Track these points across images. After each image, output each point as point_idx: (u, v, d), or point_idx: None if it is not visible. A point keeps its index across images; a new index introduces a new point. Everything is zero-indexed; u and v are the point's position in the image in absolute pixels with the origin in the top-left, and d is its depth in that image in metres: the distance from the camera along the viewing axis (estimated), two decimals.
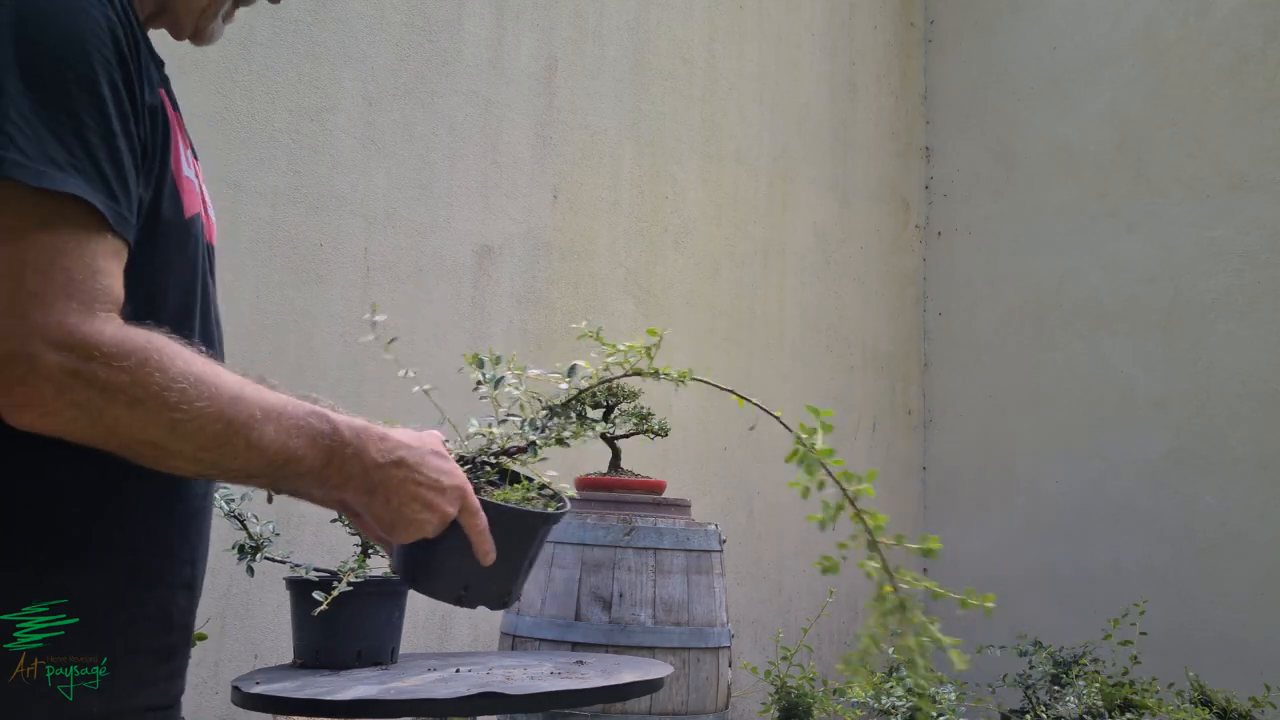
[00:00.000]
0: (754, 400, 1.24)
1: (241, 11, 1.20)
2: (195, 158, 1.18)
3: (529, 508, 1.22)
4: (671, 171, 4.27)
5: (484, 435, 1.29)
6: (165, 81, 1.07)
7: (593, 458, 3.14)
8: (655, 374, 1.39)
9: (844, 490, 1.15)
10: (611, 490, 2.72)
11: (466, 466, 1.24)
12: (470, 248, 3.58)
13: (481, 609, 1.20)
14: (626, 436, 2.70)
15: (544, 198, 3.81)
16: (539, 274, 3.78)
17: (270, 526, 1.94)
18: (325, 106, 3.28)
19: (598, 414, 2.71)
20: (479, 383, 1.34)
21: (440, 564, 1.16)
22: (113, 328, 0.85)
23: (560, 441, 1.36)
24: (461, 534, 1.11)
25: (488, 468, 1.28)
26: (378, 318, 1.27)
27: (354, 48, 3.36)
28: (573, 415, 1.36)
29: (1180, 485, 4.36)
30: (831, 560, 1.24)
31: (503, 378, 1.35)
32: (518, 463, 1.31)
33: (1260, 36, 4.37)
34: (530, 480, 1.25)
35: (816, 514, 1.29)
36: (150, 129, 0.97)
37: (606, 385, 2.70)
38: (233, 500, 1.87)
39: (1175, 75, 4.58)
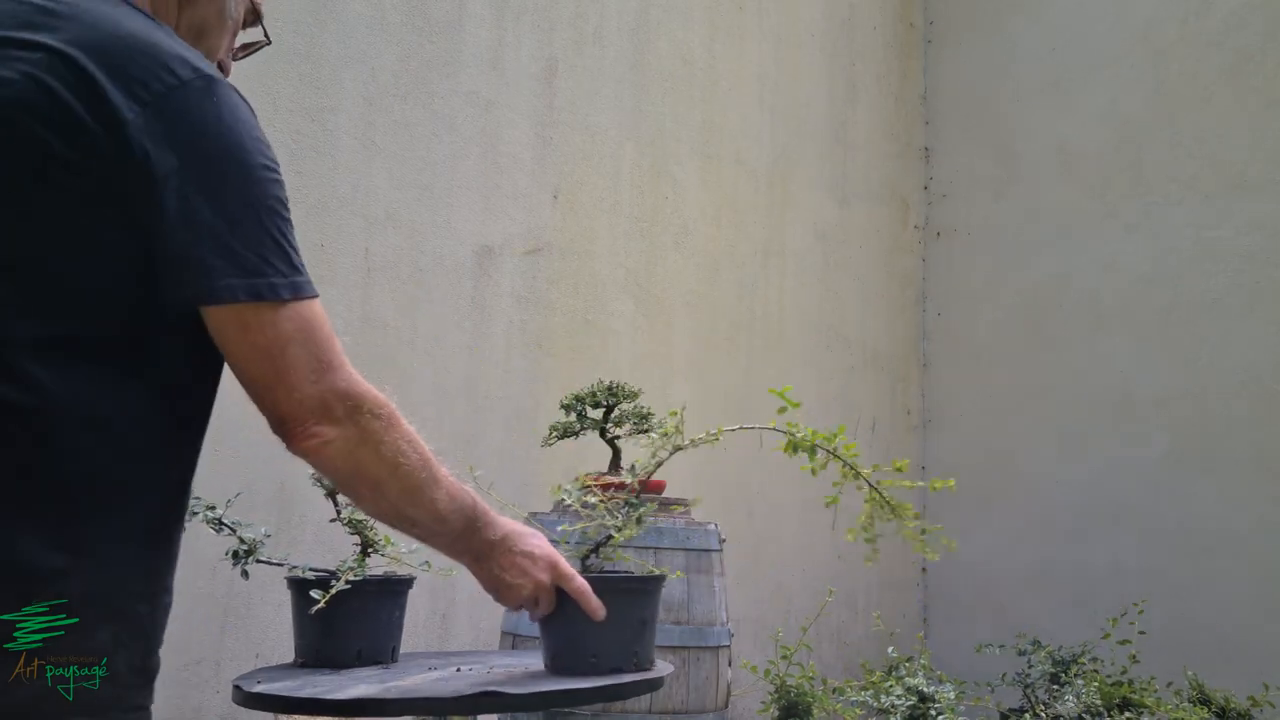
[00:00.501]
0: (782, 429, 1.43)
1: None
2: None
3: (624, 573, 1.64)
4: (671, 171, 4.27)
5: (579, 534, 1.73)
6: None
7: (593, 458, 3.14)
8: (694, 443, 1.72)
9: (827, 449, 1.34)
10: (608, 487, 2.72)
11: (584, 555, 1.66)
12: (470, 248, 3.59)
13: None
14: (627, 436, 2.70)
15: (544, 198, 3.82)
16: (539, 274, 3.78)
17: (263, 530, 1.96)
18: (325, 106, 3.28)
19: (598, 413, 2.72)
20: (564, 500, 1.76)
21: (564, 635, 1.53)
22: (361, 383, 1.14)
23: (620, 531, 1.72)
24: (573, 606, 1.43)
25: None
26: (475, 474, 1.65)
27: (354, 48, 3.36)
28: (633, 515, 1.73)
29: (1180, 485, 4.36)
30: (833, 497, 1.50)
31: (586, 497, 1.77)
32: (602, 554, 1.70)
33: (1260, 36, 4.37)
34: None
35: (833, 495, 1.45)
36: None
37: (607, 385, 2.70)
38: (214, 508, 1.88)
39: (1175, 75, 4.58)
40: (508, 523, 1.35)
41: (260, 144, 1.15)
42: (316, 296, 1.12)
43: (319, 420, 1.10)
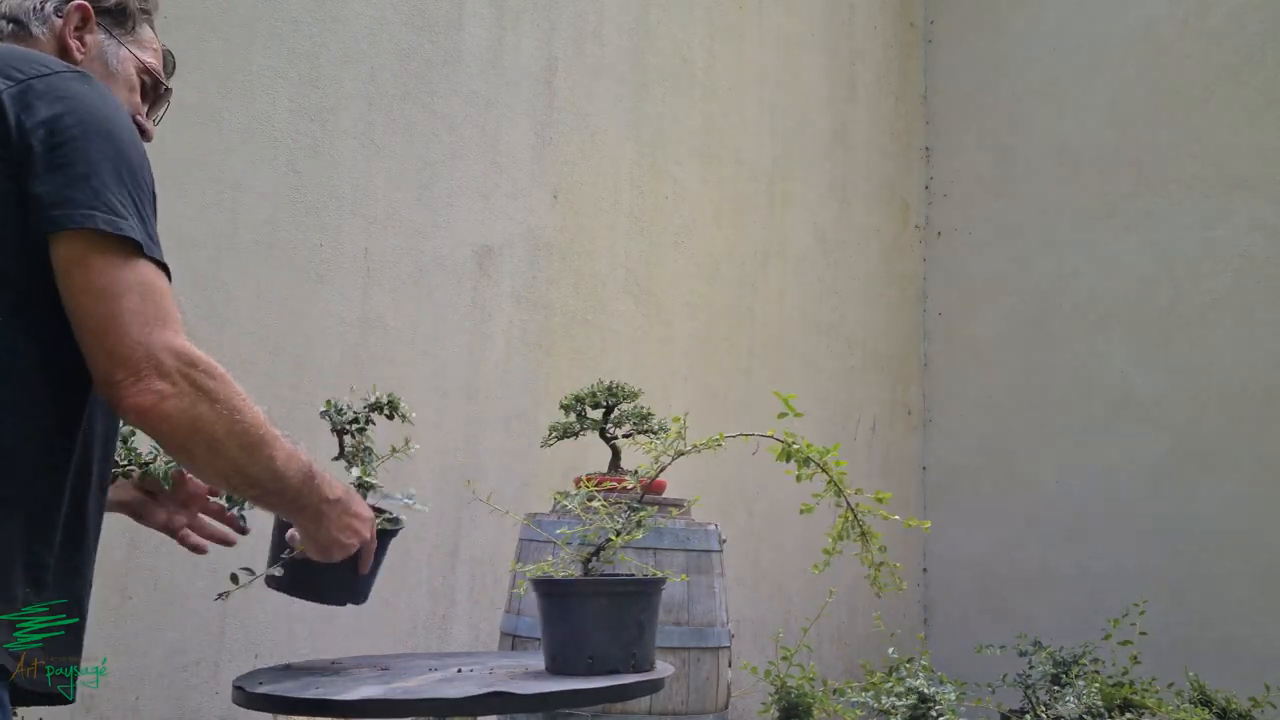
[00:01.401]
0: (780, 438, 1.43)
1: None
2: None
3: (624, 575, 1.73)
4: (671, 171, 4.26)
5: (582, 539, 1.74)
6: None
7: (593, 458, 3.14)
8: (697, 448, 1.74)
9: (818, 462, 1.34)
10: (611, 490, 2.72)
11: (585, 559, 1.71)
12: (470, 248, 3.58)
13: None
14: (627, 436, 2.70)
15: (544, 198, 3.81)
16: (539, 274, 3.77)
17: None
18: (325, 106, 3.28)
19: (598, 414, 2.71)
20: (564, 504, 1.81)
21: (565, 636, 1.60)
22: (203, 352, 1.15)
23: (619, 535, 1.75)
24: (573, 607, 1.54)
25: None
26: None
27: (354, 48, 3.35)
28: (633, 519, 1.75)
29: (1180, 485, 4.36)
30: (809, 505, 1.53)
31: (589, 501, 1.80)
32: (603, 557, 1.73)
33: (1260, 36, 4.37)
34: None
35: (808, 504, 1.46)
36: None
37: (607, 385, 2.70)
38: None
39: (1175, 75, 4.58)
40: (339, 483, 1.37)
41: (129, 127, 1.23)
42: (166, 268, 1.17)
43: (153, 374, 1.10)
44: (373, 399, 1.75)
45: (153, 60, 1.44)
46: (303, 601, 1.59)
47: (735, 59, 4.60)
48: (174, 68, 1.53)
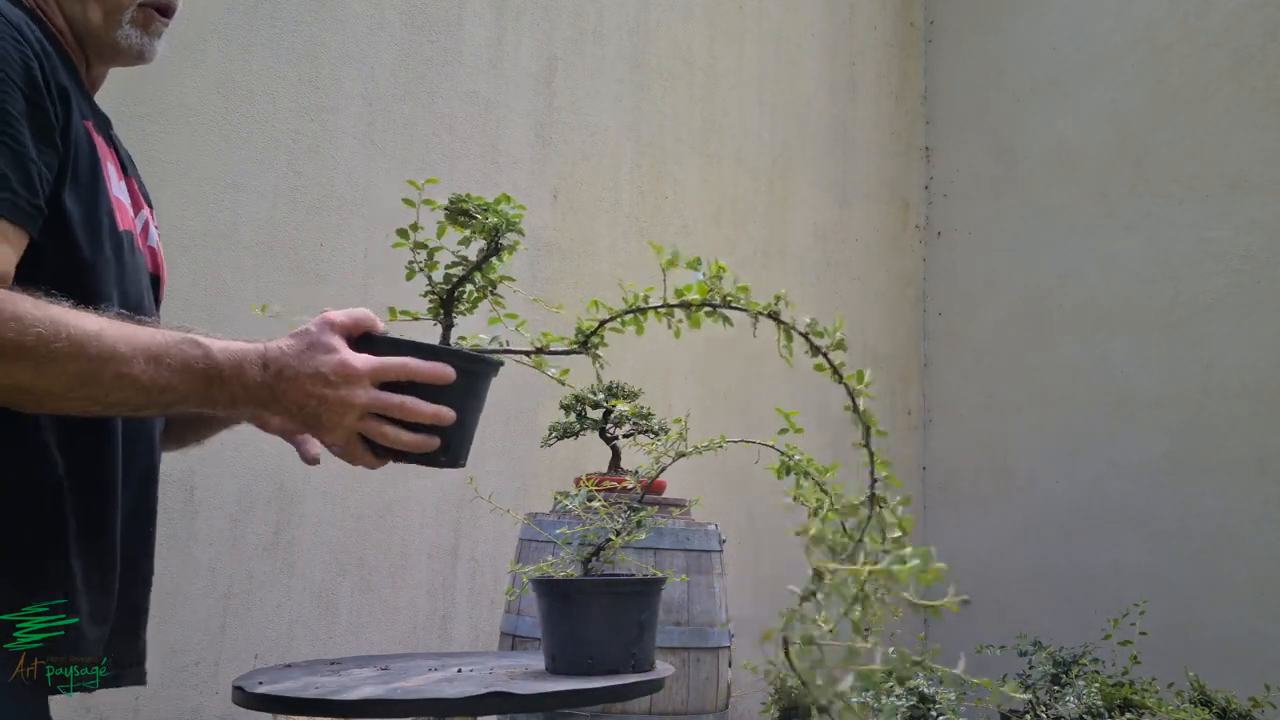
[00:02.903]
0: (780, 449, 1.42)
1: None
2: (149, 205, 1.32)
3: (624, 575, 1.65)
4: (671, 171, 4.26)
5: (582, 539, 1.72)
6: (100, 123, 1.21)
7: (593, 458, 3.14)
8: (698, 450, 1.70)
9: (817, 480, 1.30)
10: (611, 491, 2.72)
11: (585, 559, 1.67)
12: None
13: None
14: (627, 436, 2.70)
15: (544, 198, 3.81)
16: (539, 273, 3.77)
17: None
18: (325, 106, 3.27)
19: (598, 414, 2.71)
20: (564, 504, 1.76)
21: (565, 636, 1.53)
22: None
23: (619, 535, 1.73)
24: (574, 608, 1.42)
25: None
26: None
27: (354, 48, 3.35)
28: (633, 519, 1.73)
29: (1179, 485, 4.36)
30: (806, 527, 1.46)
31: (589, 502, 1.77)
32: (603, 557, 1.70)
33: (1260, 36, 4.37)
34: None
35: (805, 525, 1.46)
36: (75, 150, 1.09)
37: (607, 385, 2.69)
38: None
39: (1175, 75, 4.58)
40: (275, 348, 1.07)
41: None
42: None
43: None
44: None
45: None
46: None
47: (735, 58, 4.60)
48: None
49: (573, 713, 2.35)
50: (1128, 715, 3.32)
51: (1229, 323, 4.32)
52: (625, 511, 1.75)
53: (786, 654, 0.81)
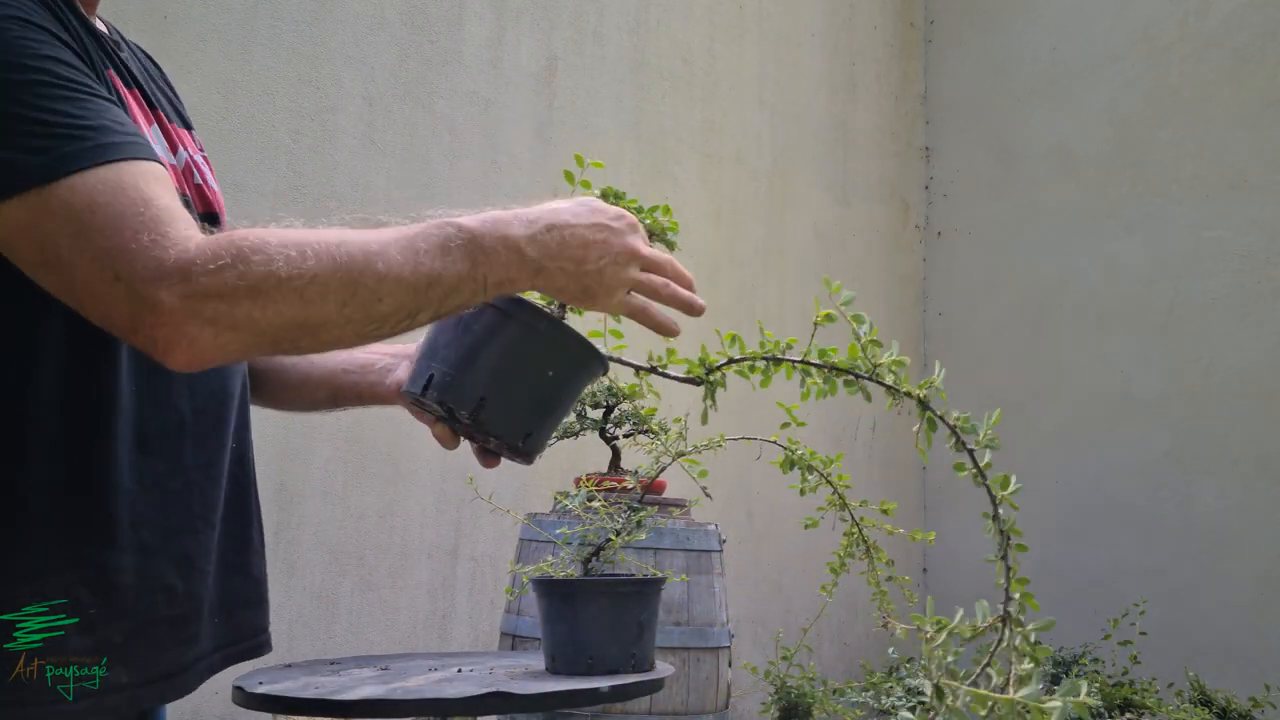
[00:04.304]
0: (783, 444, 1.42)
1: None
2: (187, 126, 1.20)
3: (624, 575, 1.70)
4: (671, 171, 4.26)
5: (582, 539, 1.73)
6: (118, 65, 1.07)
7: (593, 458, 3.14)
8: (698, 449, 1.69)
9: (822, 473, 1.30)
10: (612, 491, 2.72)
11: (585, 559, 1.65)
12: None
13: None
14: (627, 436, 2.69)
15: (544, 198, 3.81)
16: None
17: None
18: (325, 106, 3.27)
19: (598, 414, 2.71)
20: (564, 504, 1.77)
21: (565, 636, 1.57)
22: (198, 237, 0.84)
23: (619, 535, 1.73)
24: (574, 608, 1.47)
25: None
26: None
27: (354, 48, 3.35)
28: (634, 519, 1.73)
29: (1180, 485, 4.36)
30: (813, 519, 1.50)
31: (589, 502, 1.77)
32: (603, 558, 1.70)
33: (1260, 36, 4.37)
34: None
35: (813, 517, 1.45)
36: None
37: (607, 386, 2.70)
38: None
39: (1175, 75, 4.58)
40: (537, 207, 0.98)
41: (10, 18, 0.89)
42: (89, 166, 0.84)
43: (156, 324, 0.82)
44: None
45: None
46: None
47: (735, 59, 4.60)
48: None
49: (573, 713, 2.35)
50: (1128, 715, 3.32)
51: (1229, 323, 4.32)
52: (625, 511, 1.76)
53: None
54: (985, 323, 5.08)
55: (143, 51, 1.22)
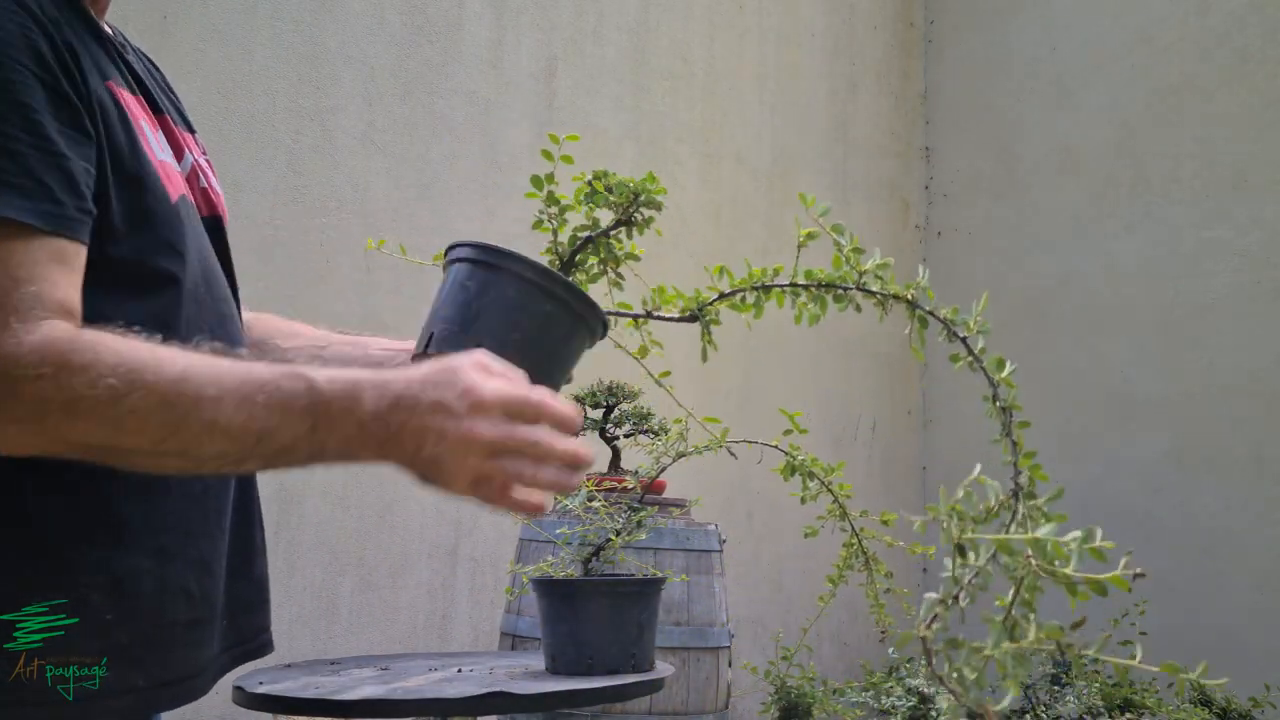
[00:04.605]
0: (784, 449, 1.41)
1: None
2: (190, 130, 1.19)
3: (624, 576, 1.71)
4: (671, 171, 4.26)
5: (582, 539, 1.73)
6: (123, 69, 1.05)
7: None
8: (698, 450, 1.69)
9: (823, 480, 1.30)
10: (612, 491, 2.72)
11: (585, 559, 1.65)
12: None
13: None
14: (628, 436, 2.70)
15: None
16: None
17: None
18: (325, 106, 3.27)
19: (598, 414, 2.71)
20: (564, 504, 1.73)
21: (565, 636, 1.57)
22: (35, 337, 0.83)
23: (619, 535, 1.73)
24: (574, 608, 1.45)
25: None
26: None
27: (354, 48, 3.35)
28: (634, 519, 1.72)
29: (1180, 486, 4.36)
30: (813, 528, 1.47)
31: (589, 502, 1.75)
32: (603, 558, 1.69)
33: (1260, 36, 4.37)
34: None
35: (813, 525, 1.45)
36: (105, 125, 0.95)
37: (607, 385, 2.70)
38: None
39: (1175, 75, 4.58)
40: (402, 376, 0.88)
41: None
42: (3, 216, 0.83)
43: None
44: None
45: None
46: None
47: (735, 58, 4.60)
48: None
49: (573, 713, 2.35)
50: (1128, 715, 3.32)
51: (1229, 323, 4.32)
52: (625, 511, 1.76)
53: (929, 661, 0.73)
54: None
55: (144, 55, 1.22)
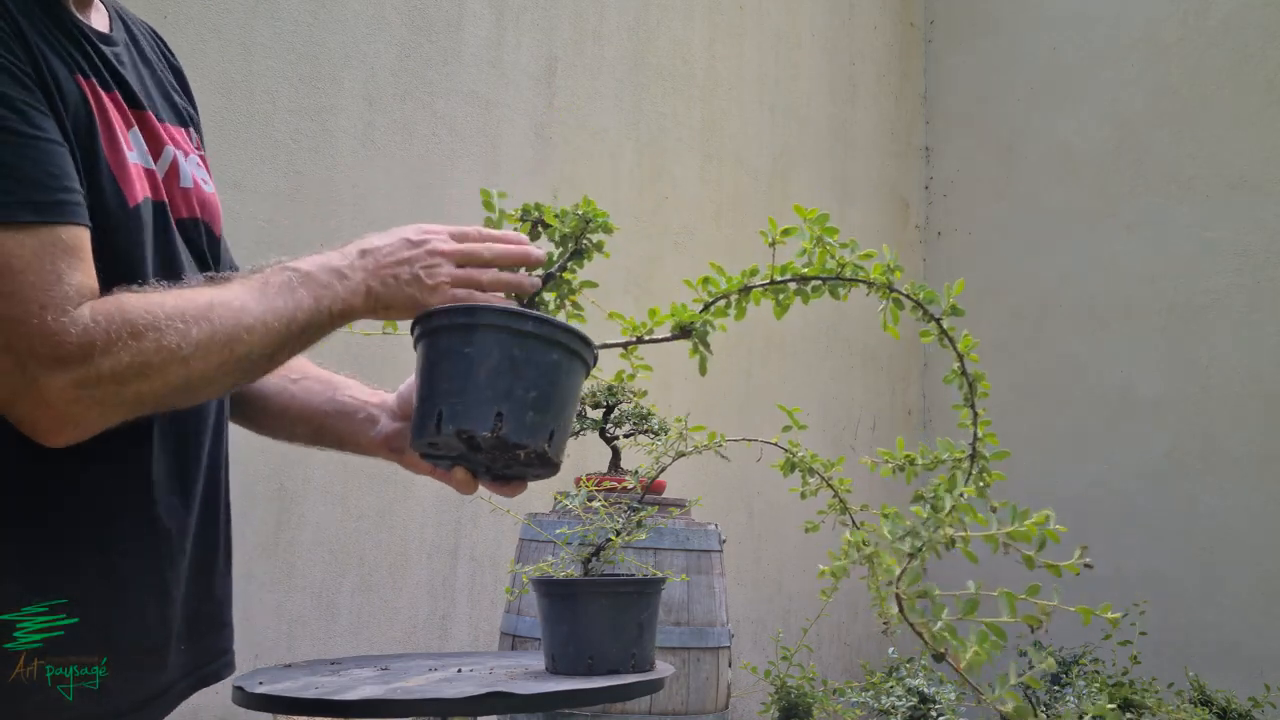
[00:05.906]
0: (784, 446, 1.41)
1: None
2: (184, 123, 1.15)
3: (625, 575, 1.72)
4: (671, 171, 4.26)
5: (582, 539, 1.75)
6: (99, 65, 1.02)
7: (593, 458, 3.14)
8: (698, 449, 1.71)
9: (823, 476, 1.31)
10: (612, 490, 2.72)
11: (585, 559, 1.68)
12: None
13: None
14: (628, 436, 2.70)
15: (544, 198, 3.81)
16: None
17: None
18: (325, 106, 3.27)
19: (598, 414, 2.71)
20: (564, 504, 1.78)
21: (565, 636, 1.54)
22: (86, 318, 0.85)
23: (619, 535, 1.75)
24: (574, 607, 1.46)
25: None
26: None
27: (354, 48, 3.35)
28: (634, 519, 1.74)
29: (1180, 486, 4.36)
30: (813, 524, 1.48)
31: (589, 502, 1.78)
32: (603, 558, 1.71)
33: (1260, 36, 4.37)
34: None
35: (813, 521, 1.45)
36: (73, 118, 0.94)
37: (607, 386, 2.69)
38: None
39: (1175, 75, 4.58)
40: (334, 249, 1.02)
41: None
42: (9, 223, 0.84)
43: (39, 407, 0.85)
44: None
45: None
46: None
47: (735, 59, 4.60)
48: None
49: (573, 713, 2.35)
50: (1128, 715, 3.32)
51: (1229, 323, 4.32)
52: (625, 511, 1.76)
53: (901, 609, 0.83)
54: (985, 323, 5.08)
55: (152, 35, 1.17)
